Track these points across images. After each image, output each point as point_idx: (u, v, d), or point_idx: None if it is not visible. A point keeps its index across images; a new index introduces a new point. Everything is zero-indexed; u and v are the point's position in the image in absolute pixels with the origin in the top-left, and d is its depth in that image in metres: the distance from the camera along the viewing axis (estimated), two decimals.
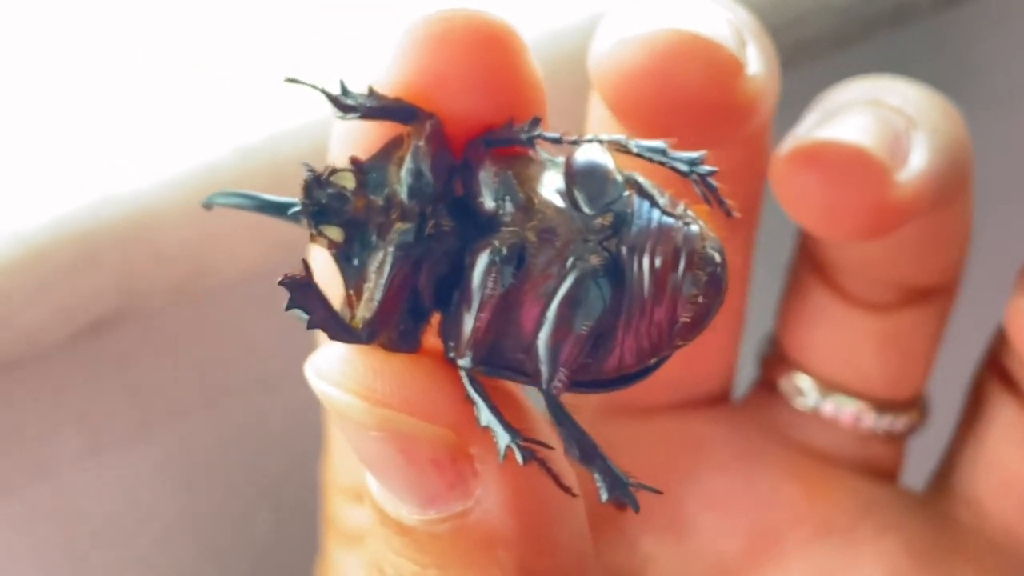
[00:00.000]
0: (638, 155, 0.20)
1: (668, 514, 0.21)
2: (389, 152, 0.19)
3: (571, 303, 0.19)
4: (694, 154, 0.19)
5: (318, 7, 0.31)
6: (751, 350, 0.30)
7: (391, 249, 0.19)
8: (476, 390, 0.19)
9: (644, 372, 0.20)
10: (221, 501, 0.34)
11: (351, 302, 0.19)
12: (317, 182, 0.19)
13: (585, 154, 0.19)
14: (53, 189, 0.27)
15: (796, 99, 0.26)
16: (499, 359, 0.19)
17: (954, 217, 0.26)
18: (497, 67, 0.19)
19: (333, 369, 0.20)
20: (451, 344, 0.19)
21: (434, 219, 0.19)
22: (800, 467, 0.28)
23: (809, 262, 0.28)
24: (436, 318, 0.20)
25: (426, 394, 0.19)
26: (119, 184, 0.27)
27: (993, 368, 0.28)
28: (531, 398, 0.20)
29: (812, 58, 0.32)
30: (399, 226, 0.19)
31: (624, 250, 0.19)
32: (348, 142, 0.20)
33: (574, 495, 0.20)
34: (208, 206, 0.21)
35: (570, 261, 0.19)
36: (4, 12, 0.30)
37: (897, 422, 0.28)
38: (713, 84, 0.22)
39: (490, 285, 0.19)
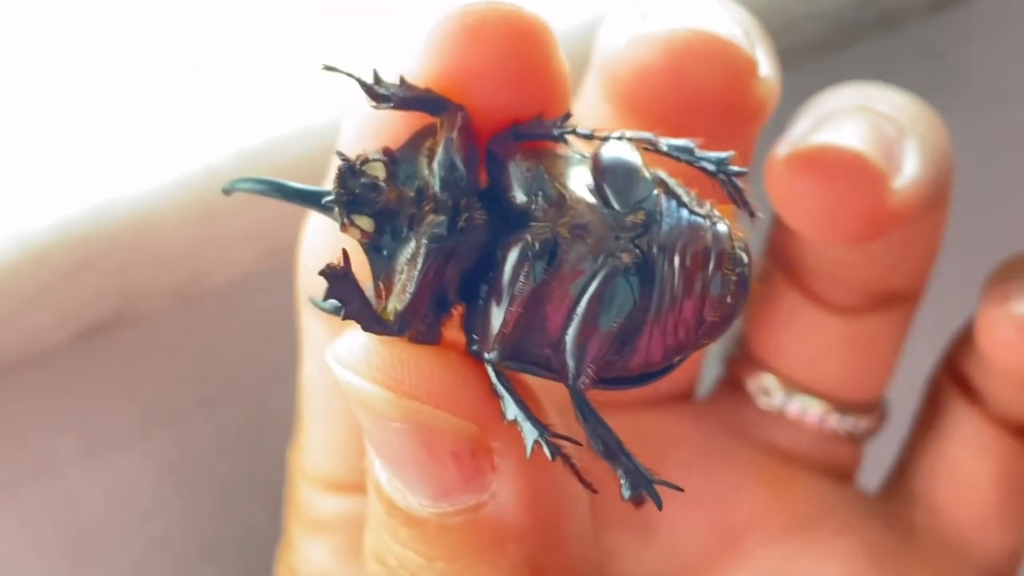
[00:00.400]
0: (666, 154, 0.20)
1: (633, 510, 0.21)
2: (418, 143, 0.19)
3: (601, 300, 0.19)
4: (722, 154, 0.19)
5: (317, 8, 0.31)
6: (715, 349, 0.30)
7: (425, 241, 0.19)
8: (503, 384, 0.19)
9: (666, 369, 0.20)
10: (219, 501, 0.34)
11: (380, 293, 0.19)
12: (351, 171, 0.19)
13: (613, 151, 0.19)
14: (54, 193, 0.27)
15: (785, 104, 0.26)
16: (525, 354, 0.19)
17: (931, 225, 0.27)
18: (529, 62, 0.19)
19: (357, 359, 0.20)
20: (475, 337, 0.19)
21: (467, 212, 0.19)
22: (763, 466, 0.28)
23: (778, 263, 0.28)
24: (458, 311, 0.20)
25: (452, 387, 0.19)
26: (118, 188, 0.27)
27: (951, 374, 0.29)
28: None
29: (801, 63, 0.33)
30: (432, 218, 0.19)
31: (654, 249, 0.19)
32: (367, 132, 0.20)
33: (594, 491, 0.19)
34: (228, 191, 0.20)
35: (601, 258, 0.19)
36: (5, 16, 0.30)
37: (859, 424, 0.29)
38: (728, 84, 0.22)
39: (522, 280, 0.19)
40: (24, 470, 0.31)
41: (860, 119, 0.25)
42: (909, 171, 0.24)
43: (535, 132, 0.20)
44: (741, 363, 0.29)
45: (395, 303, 0.19)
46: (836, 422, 0.28)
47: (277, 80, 0.29)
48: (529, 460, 0.19)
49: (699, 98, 0.22)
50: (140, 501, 0.33)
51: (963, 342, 0.29)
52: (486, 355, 0.19)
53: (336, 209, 0.19)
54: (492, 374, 0.19)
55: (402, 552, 0.20)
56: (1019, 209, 0.41)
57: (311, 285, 0.24)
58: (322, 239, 0.24)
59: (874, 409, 0.29)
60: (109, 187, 0.27)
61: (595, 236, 0.19)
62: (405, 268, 0.19)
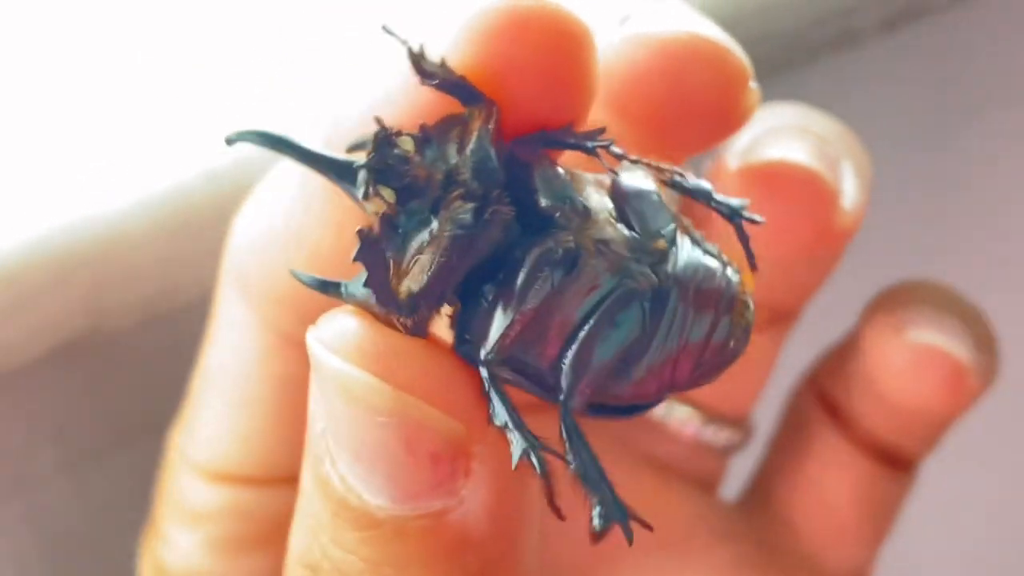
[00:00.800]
0: (685, 190, 0.19)
1: None
2: (446, 129, 0.19)
3: (612, 320, 0.18)
4: (739, 201, 0.19)
5: (285, 32, 0.32)
6: None
7: (450, 226, 0.18)
8: (496, 389, 0.18)
9: (652, 404, 0.19)
10: None
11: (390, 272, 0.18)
12: (387, 140, 0.18)
13: (635, 178, 0.19)
14: (26, 212, 0.27)
15: None
16: (518, 363, 0.19)
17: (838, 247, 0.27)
18: (568, 67, 0.18)
19: (348, 343, 0.18)
20: (467, 337, 0.19)
21: (496, 204, 0.18)
22: (640, 476, 0.28)
23: None
24: (448, 308, 0.19)
25: (445, 384, 0.18)
26: (89, 207, 0.28)
27: (814, 393, 0.29)
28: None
29: (759, 82, 0.33)
30: (460, 204, 0.18)
31: (669, 280, 0.18)
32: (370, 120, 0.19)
33: (562, 518, 0.19)
34: (232, 142, 0.19)
35: (618, 278, 0.18)
36: None
37: (734, 437, 0.29)
38: (723, 91, 0.22)
39: (538, 286, 0.18)
40: (2, 485, 0.31)
41: (804, 138, 0.25)
42: (851, 192, 0.25)
43: (566, 141, 0.19)
44: None
45: (411, 283, 0.18)
46: (712, 434, 0.28)
47: (244, 101, 0.30)
48: (503, 470, 0.18)
49: (691, 102, 0.22)
50: (118, 513, 0.33)
51: (831, 362, 0.29)
52: (482, 357, 0.18)
53: (364, 175, 0.18)
54: (486, 377, 0.18)
55: (343, 557, 0.19)
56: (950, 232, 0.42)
57: (243, 264, 0.24)
58: (261, 221, 0.23)
59: (745, 422, 0.29)
60: (80, 207, 0.28)
61: (616, 254, 0.18)
62: (426, 249, 0.18)
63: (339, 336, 0.18)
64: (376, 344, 0.18)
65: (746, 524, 0.29)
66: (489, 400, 0.18)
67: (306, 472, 0.19)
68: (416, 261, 0.18)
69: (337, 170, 0.19)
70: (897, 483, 0.29)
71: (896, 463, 0.29)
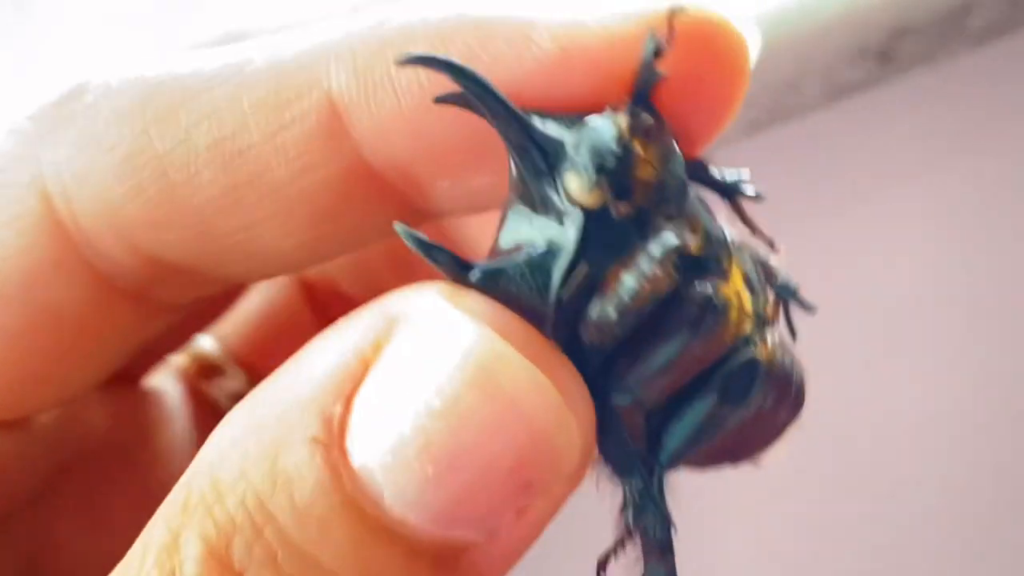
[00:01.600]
0: (762, 264, 0.18)
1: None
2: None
3: (727, 387, 0.17)
4: (795, 283, 0.19)
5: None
6: None
7: (664, 252, 0.16)
8: (627, 432, 0.16)
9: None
10: None
11: (580, 277, 0.16)
12: (640, 130, 0.16)
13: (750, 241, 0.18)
14: None
15: None
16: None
17: None
18: (728, 93, 0.17)
19: (510, 327, 0.15)
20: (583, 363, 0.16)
21: (696, 241, 0.16)
22: None
23: None
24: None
25: (587, 404, 0.16)
26: None
27: None
28: None
29: None
30: (669, 224, 0.16)
31: (774, 355, 0.17)
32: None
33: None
34: (411, 61, 0.16)
35: (742, 343, 0.17)
36: None
37: None
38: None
39: (688, 332, 0.16)
40: None
41: None
42: None
43: (704, 177, 0.17)
44: None
45: (609, 305, 0.16)
46: None
47: None
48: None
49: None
50: None
51: None
52: (619, 399, 0.16)
53: (604, 161, 0.15)
54: (618, 415, 0.16)
55: (301, 563, 0.15)
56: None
57: (89, 168, 0.18)
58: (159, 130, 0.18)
59: None
60: None
61: (745, 314, 0.17)
62: (634, 269, 0.15)
63: (498, 316, 0.15)
64: (540, 340, 0.15)
65: None
66: (619, 439, 0.16)
67: (265, 455, 0.15)
68: (628, 279, 0.16)
69: (535, 140, 0.16)
70: None
71: None
